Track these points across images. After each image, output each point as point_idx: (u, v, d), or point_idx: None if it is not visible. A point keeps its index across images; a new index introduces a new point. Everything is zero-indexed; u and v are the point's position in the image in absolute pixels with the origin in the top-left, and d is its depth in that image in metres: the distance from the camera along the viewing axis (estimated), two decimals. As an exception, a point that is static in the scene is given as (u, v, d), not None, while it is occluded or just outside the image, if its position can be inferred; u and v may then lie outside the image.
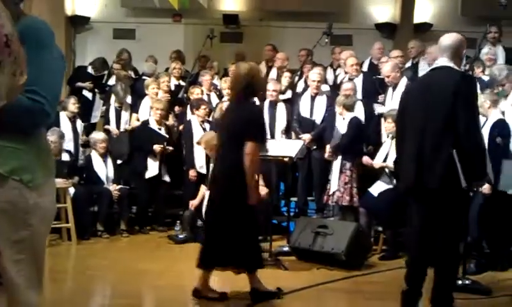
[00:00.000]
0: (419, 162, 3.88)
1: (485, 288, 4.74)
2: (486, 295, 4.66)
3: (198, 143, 6.71)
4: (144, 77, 8.44)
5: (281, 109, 7.19)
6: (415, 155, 3.91)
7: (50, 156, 2.18)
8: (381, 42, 9.12)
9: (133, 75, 8.88)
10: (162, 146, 7.17)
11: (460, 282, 4.75)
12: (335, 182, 6.41)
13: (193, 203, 6.61)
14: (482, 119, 5.53)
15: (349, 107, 6.57)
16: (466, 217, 4.24)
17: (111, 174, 7.15)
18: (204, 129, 7.17)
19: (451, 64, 3.92)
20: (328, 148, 6.62)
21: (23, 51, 1.77)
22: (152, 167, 7.22)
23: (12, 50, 1.71)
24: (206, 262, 4.43)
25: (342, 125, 6.58)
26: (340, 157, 6.44)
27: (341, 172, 6.39)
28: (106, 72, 8.82)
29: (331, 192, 6.44)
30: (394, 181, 6.06)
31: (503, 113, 5.66)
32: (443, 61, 3.95)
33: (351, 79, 7.27)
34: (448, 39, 3.98)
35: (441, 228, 3.93)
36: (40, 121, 2.02)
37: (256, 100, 5.09)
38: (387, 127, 6.19)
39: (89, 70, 8.79)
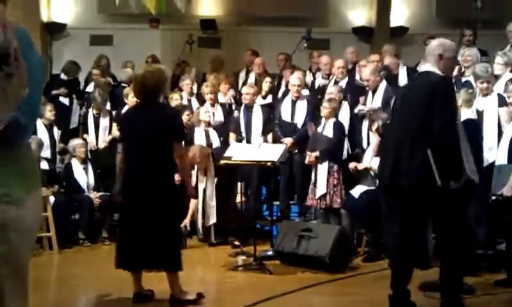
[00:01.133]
0: (395, 164, 3.97)
1: (469, 287, 4.80)
2: (469, 294, 4.71)
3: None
4: (123, 84, 8.38)
5: (257, 113, 7.22)
6: (392, 157, 4.02)
7: (34, 169, 2.09)
8: (358, 46, 9.23)
9: (111, 82, 8.82)
10: None
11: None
12: (323, 185, 6.41)
13: (186, 222, 6.62)
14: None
15: (334, 112, 6.61)
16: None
17: (92, 181, 7.09)
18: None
19: (433, 69, 3.99)
20: (314, 153, 6.53)
21: (24, 64, 1.75)
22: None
23: (19, 63, 1.70)
24: (125, 263, 4.46)
25: (327, 129, 6.60)
26: (327, 161, 6.46)
27: (329, 175, 6.41)
28: (78, 75, 8.76)
29: (318, 196, 6.44)
30: (377, 183, 6.12)
31: (478, 113, 5.74)
32: (426, 66, 4.06)
33: (337, 82, 7.33)
34: (431, 45, 4.10)
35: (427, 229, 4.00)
36: (18, 136, 1.92)
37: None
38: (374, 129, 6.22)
39: (62, 76, 8.74)
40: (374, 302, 4.67)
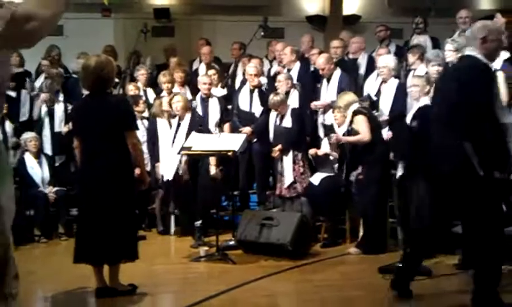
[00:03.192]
0: (434, 150, 4.01)
1: (426, 269, 4.94)
2: (426, 275, 4.86)
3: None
4: (74, 75, 8.19)
5: (213, 103, 7.18)
6: (432, 144, 4.04)
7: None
8: (312, 34, 9.28)
9: (63, 73, 8.59)
10: None
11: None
12: (289, 175, 6.46)
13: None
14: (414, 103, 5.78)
15: (283, 104, 6.65)
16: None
17: (47, 175, 6.93)
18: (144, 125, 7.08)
19: (474, 53, 3.85)
20: (277, 147, 6.57)
21: None
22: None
23: None
24: (84, 257, 4.44)
25: (286, 120, 6.63)
26: (291, 151, 6.50)
27: (295, 163, 6.46)
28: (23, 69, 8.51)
29: (286, 185, 6.48)
30: (336, 167, 6.21)
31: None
32: (468, 50, 3.93)
33: (289, 70, 7.34)
34: (473, 28, 3.95)
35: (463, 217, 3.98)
36: None
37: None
38: (336, 117, 6.26)
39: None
40: (336, 287, 4.77)
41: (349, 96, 6.06)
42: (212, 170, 6.50)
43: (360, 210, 5.99)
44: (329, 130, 6.33)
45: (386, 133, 6.19)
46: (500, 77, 5.69)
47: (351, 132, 5.89)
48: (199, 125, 6.36)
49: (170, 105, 6.80)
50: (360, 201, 5.92)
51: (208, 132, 6.49)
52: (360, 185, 5.88)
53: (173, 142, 6.59)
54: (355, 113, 5.85)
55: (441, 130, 3.91)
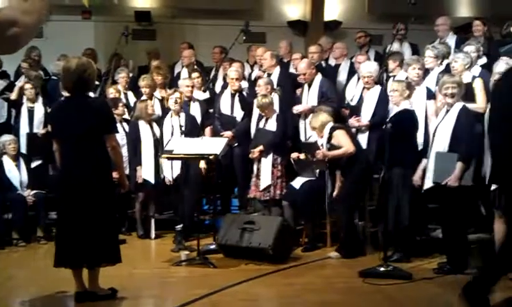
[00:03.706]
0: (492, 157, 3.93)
1: (406, 273, 5.01)
2: (407, 279, 4.92)
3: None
4: (54, 78, 8.11)
5: (195, 107, 7.18)
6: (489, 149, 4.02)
7: None
8: (293, 39, 9.33)
9: (43, 75, 8.51)
10: None
11: (383, 269, 5.00)
12: (267, 177, 6.49)
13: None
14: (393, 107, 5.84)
15: (271, 106, 6.67)
16: None
17: (25, 178, 6.84)
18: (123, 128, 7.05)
19: None
20: (258, 148, 6.58)
21: None
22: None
23: None
24: (64, 261, 4.38)
25: (270, 123, 6.66)
26: (271, 153, 6.53)
27: (273, 167, 6.50)
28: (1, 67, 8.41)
29: (262, 188, 6.51)
30: (317, 172, 6.24)
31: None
32: None
33: (269, 74, 7.36)
34: None
35: None
36: None
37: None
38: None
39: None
40: (317, 290, 4.78)
41: (322, 116, 6.13)
42: (202, 164, 6.46)
43: (340, 217, 6.03)
44: (308, 148, 6.31)
45: (366, 138, 6.28)
46: (479, 84, 5.78)
47: (330, 148, 5.95)
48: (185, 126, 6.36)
49: (167, 99, 6.80)
50: (342, 210, 5.97)
51: (199, 131, 6.50)
52: (340, 196, 5.99)
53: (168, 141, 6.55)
54: (333, 129, 5.94)
55: (505, 134, 3.70)
